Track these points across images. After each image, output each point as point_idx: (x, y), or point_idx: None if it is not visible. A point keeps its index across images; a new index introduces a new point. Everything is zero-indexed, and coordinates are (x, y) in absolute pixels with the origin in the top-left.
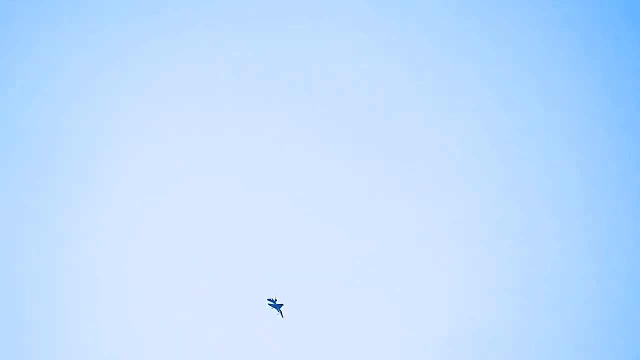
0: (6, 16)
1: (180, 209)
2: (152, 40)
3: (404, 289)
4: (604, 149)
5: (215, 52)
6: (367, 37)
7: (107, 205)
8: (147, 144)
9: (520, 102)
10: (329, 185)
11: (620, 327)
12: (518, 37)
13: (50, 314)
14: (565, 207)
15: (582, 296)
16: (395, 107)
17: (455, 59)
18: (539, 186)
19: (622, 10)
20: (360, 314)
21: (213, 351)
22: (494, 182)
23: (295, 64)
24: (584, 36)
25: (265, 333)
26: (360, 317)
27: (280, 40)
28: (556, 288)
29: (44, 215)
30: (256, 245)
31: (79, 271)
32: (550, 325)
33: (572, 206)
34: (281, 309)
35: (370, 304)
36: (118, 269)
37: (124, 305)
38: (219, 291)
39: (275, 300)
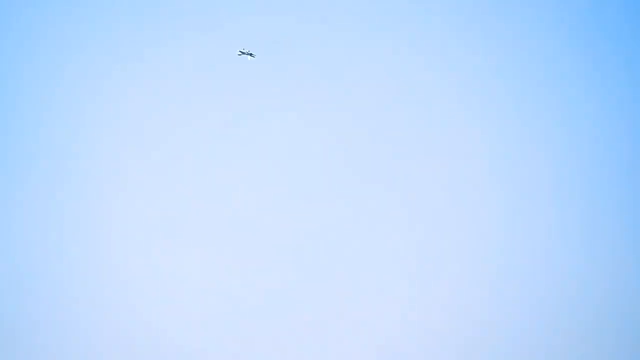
0: (6, 16)
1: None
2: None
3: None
4: (603, 149)
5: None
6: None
7: (105, 206)
8: (146, 144)
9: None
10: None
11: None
12: (518, 37)
13: (51, 315)
14: (565, 208)
15: (581, 297)
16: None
17: (454, 60)
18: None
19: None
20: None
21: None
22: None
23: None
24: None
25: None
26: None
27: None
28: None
29: (45, 216)
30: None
31: (78, 272)
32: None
33: (571, 206)
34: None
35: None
36: (116, 270)
37: (124, 307)
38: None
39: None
